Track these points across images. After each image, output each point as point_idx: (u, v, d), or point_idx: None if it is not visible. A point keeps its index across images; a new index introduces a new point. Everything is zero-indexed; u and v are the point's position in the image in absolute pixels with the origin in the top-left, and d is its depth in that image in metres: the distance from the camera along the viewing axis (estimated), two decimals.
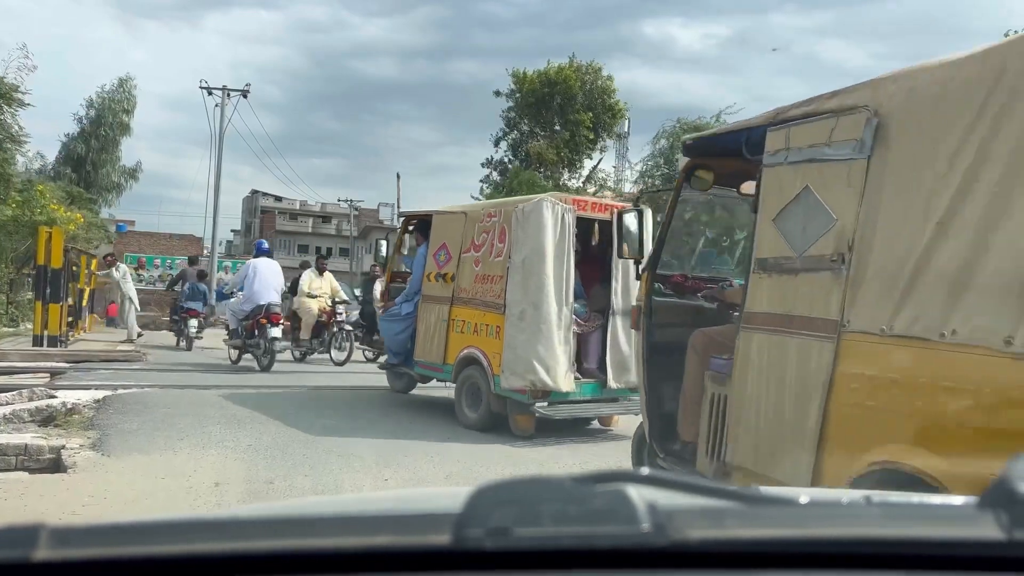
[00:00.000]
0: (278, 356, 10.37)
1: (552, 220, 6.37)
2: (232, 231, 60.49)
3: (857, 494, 0.82)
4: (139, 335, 13.75)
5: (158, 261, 22.63)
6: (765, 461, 3.27)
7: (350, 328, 11.51)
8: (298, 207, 56.75)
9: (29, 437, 5.41)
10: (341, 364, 11.19)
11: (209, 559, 0.62)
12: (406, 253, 9.13)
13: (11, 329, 13.51)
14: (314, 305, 11.52)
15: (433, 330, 7.36)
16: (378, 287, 9.90)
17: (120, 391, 7.51)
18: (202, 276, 14.10)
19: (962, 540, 0.69)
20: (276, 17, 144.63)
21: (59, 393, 7.01)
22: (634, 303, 4.89)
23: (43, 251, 11.04)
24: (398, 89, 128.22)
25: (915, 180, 2.77)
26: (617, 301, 6.67)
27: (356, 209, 47.54)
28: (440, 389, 8.05)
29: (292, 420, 6.56)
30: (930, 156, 2.72)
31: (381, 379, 8.77)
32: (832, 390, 2.91)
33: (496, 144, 28.88)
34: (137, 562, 0.62)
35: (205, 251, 25.46)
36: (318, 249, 50.67)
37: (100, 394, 7.19)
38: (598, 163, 28.44)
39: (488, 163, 29.02)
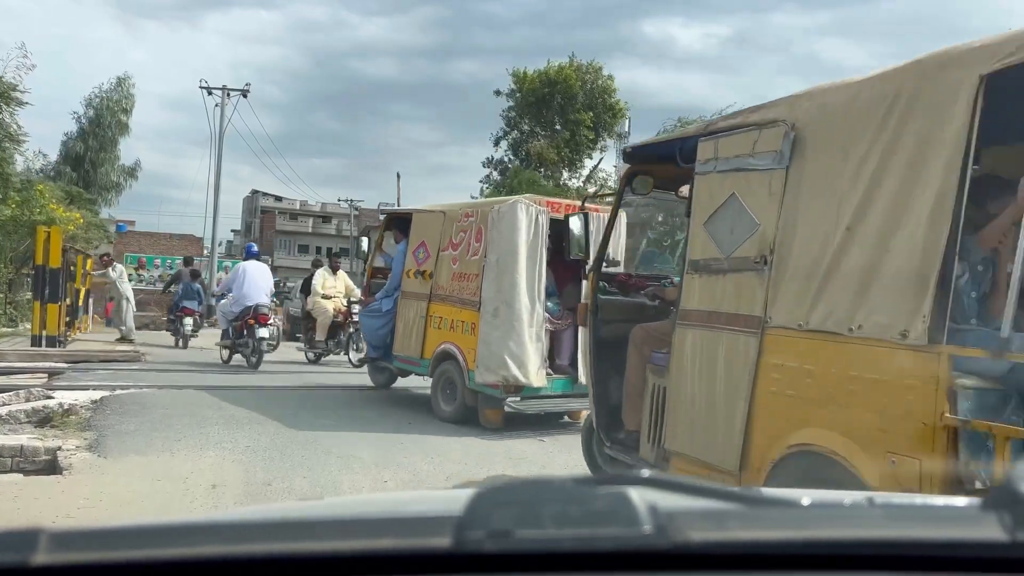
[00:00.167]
0: (281, 356, 10.40)
1: (526, 221, 6.61)
2: (232, 231, 60.48)
3: (859, 495, 0.81)
4: (126, 336, 13.74)
5: (158, 261, 22.61)
6: (700, 446, 3.54)
7: None
8: (298, 207, 56.73)
9: (25, 438, 5.36)
10: (360, 365, 10.91)
11: (210, 563, 0.62)
12: (387, 251, 9.25)
13: (10, 329, 13.50)
14: (329, 305, 11.36)
15: (412, 326, 7.60)
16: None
17: (118, 392, 7.48)
18: (195, 276, 14.15)
19: (965, 541, 0.69)
20: (276, 17, 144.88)
21: (56, 394, 6.99)
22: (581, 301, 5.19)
23: (41, 251, 11.03)
24: (398, 89, 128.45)
25: (827, 188, 3.04)
26: None
27: (356, 209, 47.55)
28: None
29: (291, 421, 6.55)
30: (840, 167, 2.99)
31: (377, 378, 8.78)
32: (757, 380, 3.20)
33: (496, 144, 28.94)
34: (137, 566, 0.62)
35: (205, 251, 25.43)
36: (318, 249, 50.70)
37: (98, 395, 7.17)
38: (599, 163, 28.49)
39: (489, 163, 29.06)
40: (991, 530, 0.66)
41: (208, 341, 13.09)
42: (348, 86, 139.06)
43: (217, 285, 17.16)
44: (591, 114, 27.16)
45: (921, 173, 2.69)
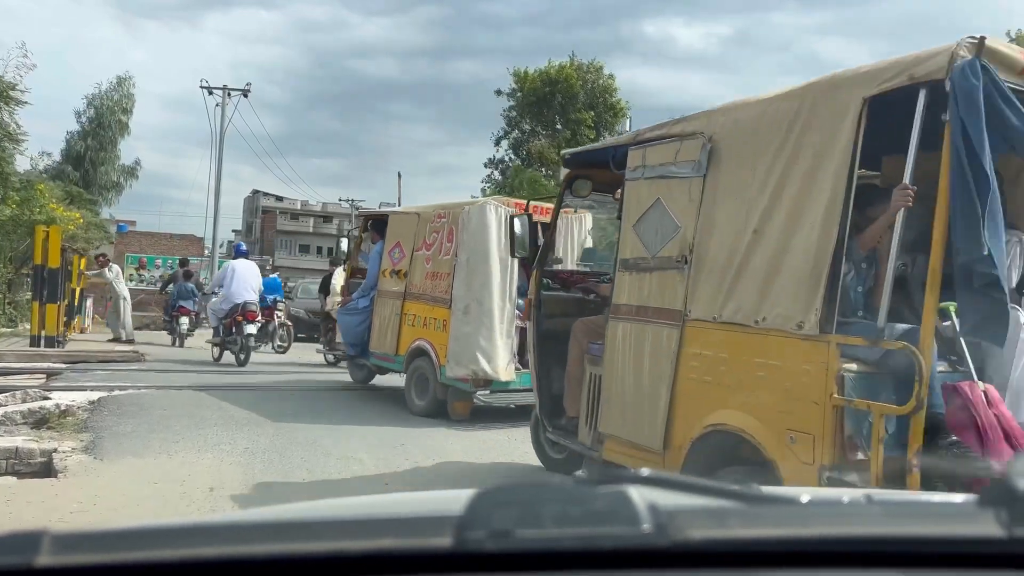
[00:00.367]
0: (293, 357, 10.42)
1: (496, 222, 6.85)
2: (233, 231, 60.28)
3: (858, 493, 0.82)
4: (121, 337, 13.74)
5: (159, 261, 22.57)
6: (629, 428, 3.86)
7: None
8: (299, 207, 56.61)
9: (20, 440, 5.28)
10: (336, 363, 11.03)
11: (212, 564, 0.62)
12: (365, 251, 9.41)
13: (9, 329, 13.49)
14: None
15: (387, 323, 7.89)
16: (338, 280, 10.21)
17: (116, 392, 7.46)
18: (188, 276, 14.24)
19: (962, 538, 0.69)
20: (276, 17, 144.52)
21: (54, 395, 6.96)
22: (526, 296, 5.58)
23: (40, 251, 11.03)
24: (399, 88, 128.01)
25: (738, 195, 3.38)
26: None
27: (357, 209, 47.47)
28: None
29: (290, 421, 6.54)
30: (748, 176, 3.33)
31: (381, 378, 8.77)
32: (678, 368, 3.54)
33: (497, 143, 28.94)
34: (139, 567, 0.62)
35: (206, 251, 25.39)
36: (319, 249, 50.57)
37: (95, 395, 7.14)
38: None
39: (490, 163, 29.04)
40: (988, 526, 0.67)
41: (202, 340, 13.11)
42: (349, 86, 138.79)
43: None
44: (592, 113, 27.15)
45: (816, 182, 3.03)
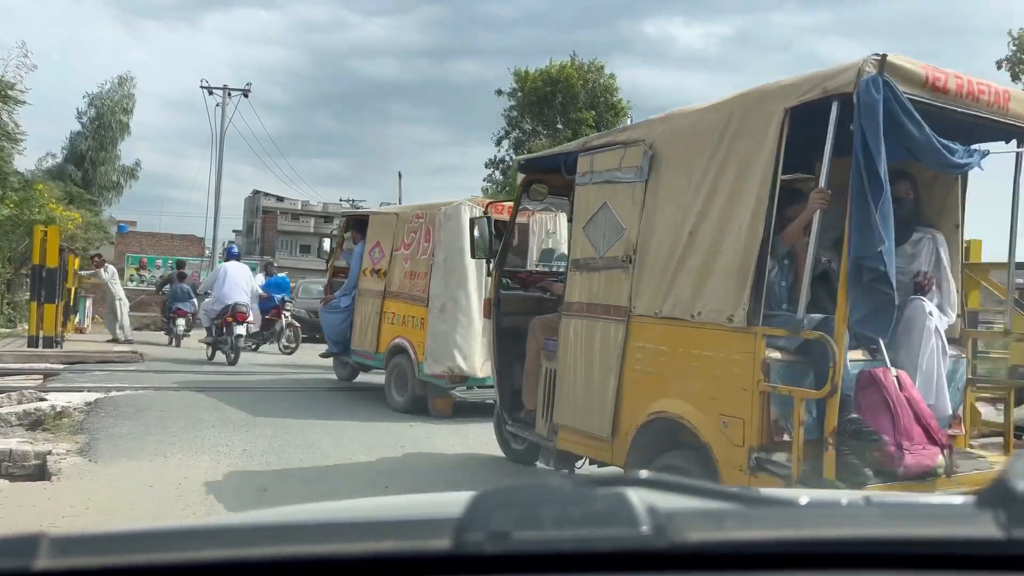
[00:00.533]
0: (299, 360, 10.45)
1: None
2: (234, 231, 60.18)
3: (856, 494, 0.82)
4: (119, 337, 13.73)
5: (159, 261, 22.54)
6: (581, 418, 4.07)
7: None
8: (300, 207, 56.51)
9: (15, 442, 5.19)
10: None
11: (212, 567, 0.62)
12: (347, 250, 9.55)
13: (8, 329, 13.48)
14: None
15: (368, 322, 8.14)
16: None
17: (113, 393, 7.41)
18: (182, 277, 14.32)
19: (961, 539, 0.69)
20: (276, 17, 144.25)
21: (50, 395, 6.90)
22: (485, 295, 5.87)
23: (38, 250, 11.02)
24: (399, 89, 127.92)
25: (676, 199, 3.63)
26: None
27: (358, 209, 47.45)
28: None
29: (289, 422, 6.50)
30: (685, 180, 3.59)
31: (380, 378, 8.77)
32: (624, 360, 3.78)
33: (498, 143, 28.87)
34: (139, 570, 0.62)
35: (207, 251, 25.35)
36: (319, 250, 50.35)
37: (92, 396, 7.08)
38: None
39: (491, 163, 29.00)
40: (986, 527, 0.67)
41: (198, 339, 13.11)
42: (349, 86, 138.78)
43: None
44: (593, 113, 27.09)
45: (743, 186, 3.27)
